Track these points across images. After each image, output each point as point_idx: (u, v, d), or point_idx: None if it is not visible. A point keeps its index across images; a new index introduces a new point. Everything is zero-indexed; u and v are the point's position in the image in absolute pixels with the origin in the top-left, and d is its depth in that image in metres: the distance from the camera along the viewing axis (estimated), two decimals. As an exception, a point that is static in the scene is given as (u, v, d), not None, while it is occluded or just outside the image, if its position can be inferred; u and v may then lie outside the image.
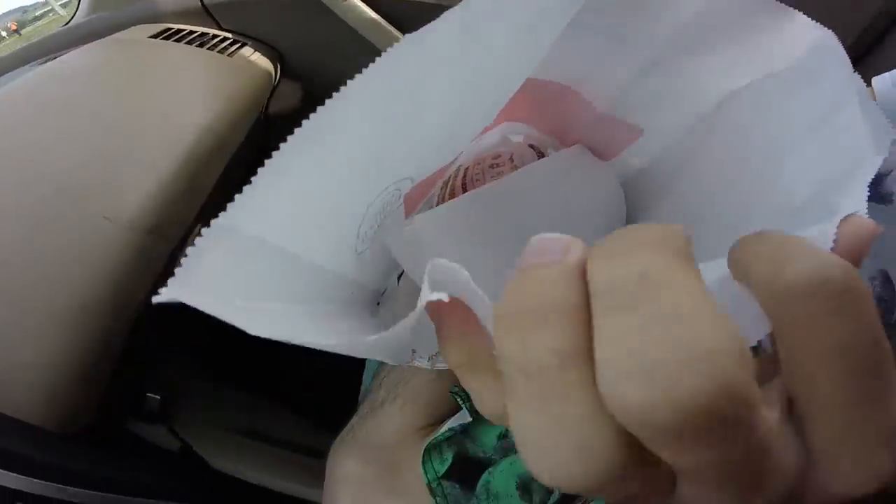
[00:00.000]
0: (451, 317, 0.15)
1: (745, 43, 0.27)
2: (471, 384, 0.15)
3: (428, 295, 0.14)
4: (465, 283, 0.14)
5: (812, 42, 0.25)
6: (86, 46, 0.77)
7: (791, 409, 0.12)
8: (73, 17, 0.90)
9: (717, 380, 0.09)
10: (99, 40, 0.79)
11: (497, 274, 0.28)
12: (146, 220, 0.49)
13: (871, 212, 0.46)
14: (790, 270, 0.11)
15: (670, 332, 0.10)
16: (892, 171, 0.48)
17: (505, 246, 0.31)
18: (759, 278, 0.12)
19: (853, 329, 0.10)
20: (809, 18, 0.25)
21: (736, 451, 0.10)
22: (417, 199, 0.34)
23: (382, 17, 0.81)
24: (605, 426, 0.10)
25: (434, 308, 0.15)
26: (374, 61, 0.17)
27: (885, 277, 0.41)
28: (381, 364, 0.47)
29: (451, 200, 0.35)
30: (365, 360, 0.55)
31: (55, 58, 0.80)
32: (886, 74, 0.55)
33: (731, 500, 0.11)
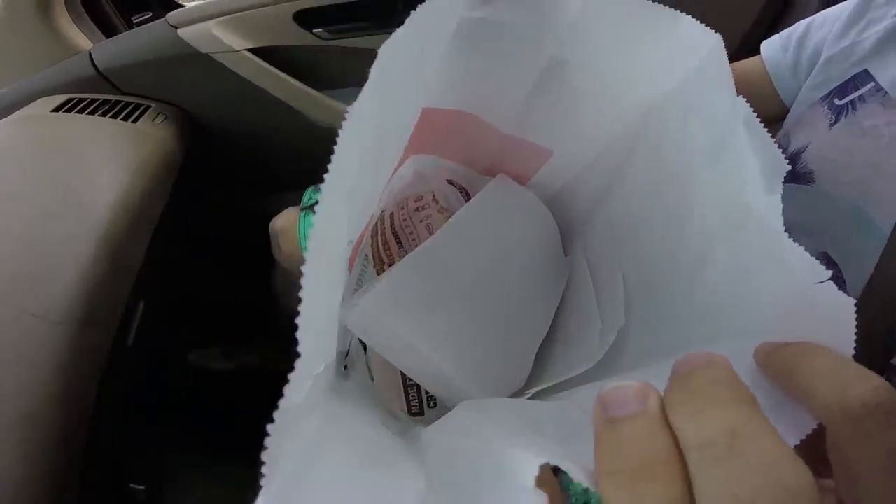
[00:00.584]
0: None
1: (638, 55, 0.27)
2: None
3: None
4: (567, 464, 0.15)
5: (703, 48, 0.24)
6: (-8, 126, 0.78)
7: None
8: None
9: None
10: (4, 119, 0.80)
11: (456, 331, 0.32)
12: (76, 311, 0.49)
13: (797, 193, 0.47)
14: (852, 394, 0.14)
15: (763, 479, 0.11)
16: (808, 145, 0.47)
17: (458, 301, 0.33)
18: (825, 399, 0.14)
19: None
20: (696, 21, 0.24)
21: None
22: (353, 256, 0.34)
23: (275, 66, 0.85)
24: None
25: None
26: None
27: (828, 259, 0.43)
28: None
29: (390, 270, 0.34)
30: None
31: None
32: (776, 37, 0.56)
33: None
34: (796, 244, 0.20)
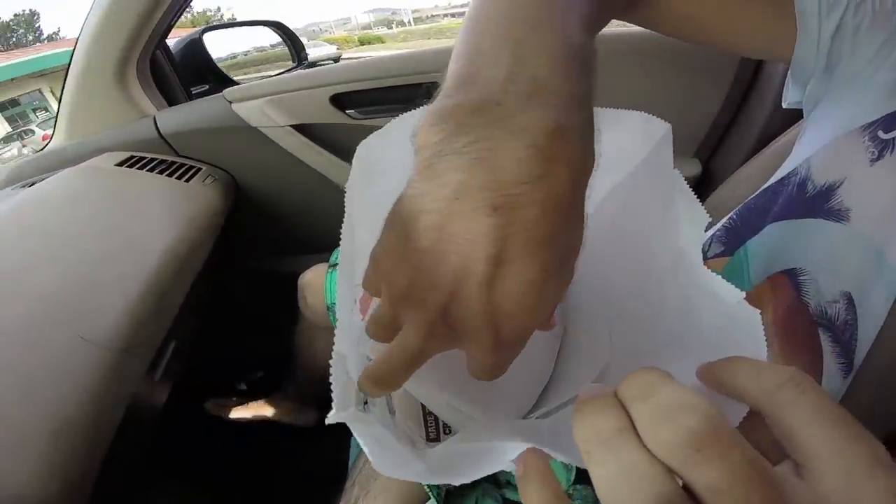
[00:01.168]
0: (534, 463, 0.21)
1: (604, 145, 0.31)
2: None
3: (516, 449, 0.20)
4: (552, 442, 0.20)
5: (657, 135, 0.29)
6: (62, 173, 0.89)
7: (798, 472, 0.18)
8: (47, 144, 1.04)
9: (703, 415, 0.17)
10: (72, 168, 0.91)
11: (454, 366, 0.36)
12: (119, 340, 0.55)
13: (827, 230, 0.44)
14: (766, 379, 0.19)
15: (676, 403, 0.18)
16: (844, 180, 0.43)
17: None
18: (747, 386, 0.19)
19: (815, 395, 0.18)
20: (649, 115, 0.29)
21: (737, 465, 0.16)
22: (367, 306, 0.38)
23: (313, 141, 0.97)
24: (655, 464, 0.17)
25: (523, 455, 0.21)
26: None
27: (849, 300, 0.41)
28: (355, 463, 0.53)
29: None
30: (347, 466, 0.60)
31: (33, 182, 0.92)
32: None
33: None
34: (716, 274, 0.26)
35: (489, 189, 0.21)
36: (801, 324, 0.43)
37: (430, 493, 0.43)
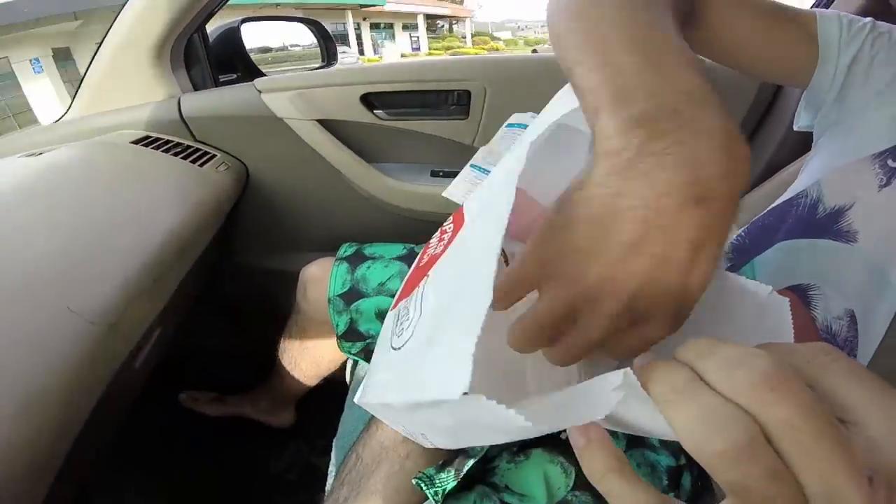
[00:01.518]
0: (596, 433, 0.22)
1: None
2: (618, 482, 0.21)
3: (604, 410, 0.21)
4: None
5: None
6: (74, 144, 0.85)
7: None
8: (63, 116, 1.01)
9: (771, 360, 0.19)
10: (85, 140, 0.89)
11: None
12: (108, 316, 0.51)
13: (836, 250, 0.46)
14: (799, 351, 0.21)
15: (740, 352, 0.20)
16: (853, 204, 0.45)
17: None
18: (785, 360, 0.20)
19: (846, 360, 0.20)
20: None
21: (809, 403, 0.17)
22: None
23: (336, 137, 0.94)
24: (733, 405, 0.18)
25: (584, 427, 0.22)
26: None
27: (852, 318, 0.43)
28: (343, 463, 0.51)
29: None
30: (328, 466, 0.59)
31: (42, 152, 0.88)
32: (838, 22, 0.47)
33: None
34: (738, 275, 0.29)
35: (694, 184, 0.24)
36: (809, 337, 0.44)
37: (427, 494, 0.41)
